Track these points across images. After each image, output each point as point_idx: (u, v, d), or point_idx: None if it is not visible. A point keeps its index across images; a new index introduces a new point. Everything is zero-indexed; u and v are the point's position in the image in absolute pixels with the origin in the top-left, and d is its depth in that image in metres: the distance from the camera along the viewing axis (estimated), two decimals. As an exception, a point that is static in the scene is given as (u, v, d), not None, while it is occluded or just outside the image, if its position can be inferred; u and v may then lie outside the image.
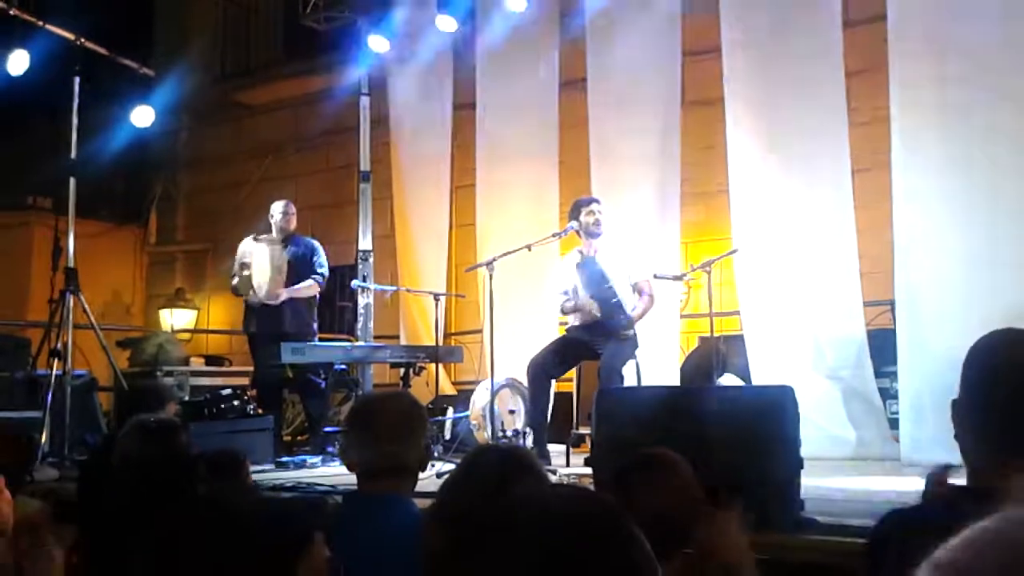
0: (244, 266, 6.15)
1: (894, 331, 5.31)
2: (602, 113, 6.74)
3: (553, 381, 5.54)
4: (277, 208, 6.40)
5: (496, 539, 1.30)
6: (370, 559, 1.82)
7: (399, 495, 2.11)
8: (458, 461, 2.04)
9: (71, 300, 5.84)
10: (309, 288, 6.26)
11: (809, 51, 5.73)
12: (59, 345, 5.74)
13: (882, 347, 5.47)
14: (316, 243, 6.46)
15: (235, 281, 6.21)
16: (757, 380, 5.57)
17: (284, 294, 6.12)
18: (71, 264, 6.00)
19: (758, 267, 5.83)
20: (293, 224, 6.41)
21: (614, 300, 5.17)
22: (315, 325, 6.45)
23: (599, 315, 5.20)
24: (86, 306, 5.95)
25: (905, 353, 5.16)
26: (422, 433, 2.17)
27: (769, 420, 2.99)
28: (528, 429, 5.49)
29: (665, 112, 6.44)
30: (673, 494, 1.94)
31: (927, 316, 5.11)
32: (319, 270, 6.33)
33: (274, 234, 6.35)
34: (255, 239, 6.16)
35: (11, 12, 6.33)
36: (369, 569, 1.77)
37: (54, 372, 5.62)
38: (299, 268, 6.26)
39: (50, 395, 5.53)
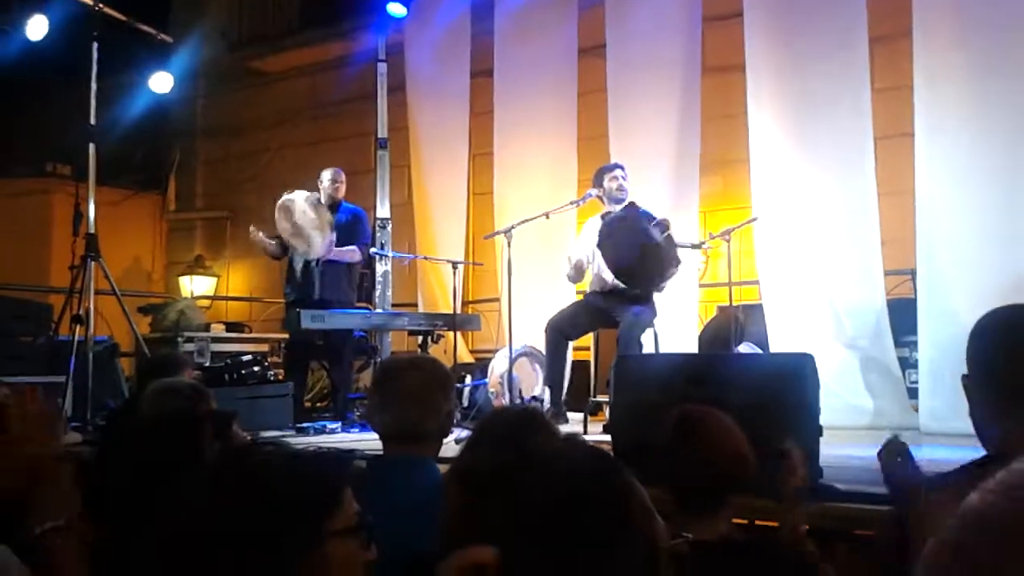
0: (278, 234, 6.16)
1: (914, 300, 5.29)
2: (621, 80, 6.67)
3: (570, 344, 5.53)
4: (326, 176, 6.39)
5: (502, 498, 1.32)
6: (393, 521, 1.84)
7: (422, 458, 2.11)
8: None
9: (92, 266, 5.88)
10: (351, 253, 6.25)
11: (832, 16, 5.65)
12: (81, 311, 5.80)
13: (902, 316, 5.43)
14: (363, 212, 6.47)
15: (271, 248, 6.24)
16: (775, 349, 5.55)
17: (326, 253, 6.09)
18: (91, 230, 6.03)
19: (778, 236, 5.79)
20: (342, 192, 6.38)
21: (665, 234, 5.01)
22: (354, 295, 6.45)
23: (634, 264, 5.06)
24: (107, 272, 5.99)
25: (925, 322, 5.14)
26: (445, 398, 2.16)
27: (789, 387, 2.99)
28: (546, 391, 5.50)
29: (685, 79, 6.37)
30: (723, 447, 1.99)
31: (948, 285, 5.08)
32: (363, 238, 6.33)
33: (322, 200, 6.36)
34: (286, 197, 6.13)
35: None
36: (392, 530, 1.78)
37: (76, 338, 5.68)
38: (344, 235, 6.24)
39: (72, 360, 5.59)
